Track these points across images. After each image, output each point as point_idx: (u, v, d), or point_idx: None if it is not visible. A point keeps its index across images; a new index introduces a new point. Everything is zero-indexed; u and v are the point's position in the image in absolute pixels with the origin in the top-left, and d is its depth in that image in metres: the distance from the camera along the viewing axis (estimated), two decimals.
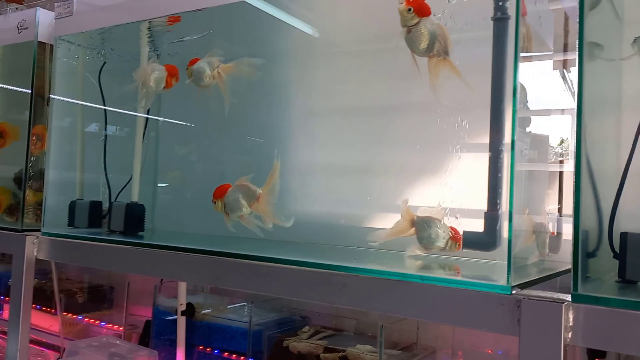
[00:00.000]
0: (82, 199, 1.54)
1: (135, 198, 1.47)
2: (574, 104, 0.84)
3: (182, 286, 1.62)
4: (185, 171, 1.64)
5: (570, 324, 0.73)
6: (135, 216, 1.44)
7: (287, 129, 1.48)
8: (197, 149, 1.61)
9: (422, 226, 0.97)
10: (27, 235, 1.43)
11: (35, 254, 1.43)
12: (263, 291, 1.05)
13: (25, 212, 1.64)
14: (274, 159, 1.18)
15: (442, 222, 0.97)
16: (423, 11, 0.90)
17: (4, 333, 1.90)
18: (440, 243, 0.97)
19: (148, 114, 1.52)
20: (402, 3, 0.90)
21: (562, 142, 1.37)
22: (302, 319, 1.65)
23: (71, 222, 1.52)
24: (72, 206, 1.52)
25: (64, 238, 1.40)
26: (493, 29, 1.04)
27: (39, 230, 1.48)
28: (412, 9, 0.89)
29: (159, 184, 1.66)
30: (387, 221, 1.34)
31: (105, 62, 1.58)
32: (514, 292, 0.80)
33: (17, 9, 2.33)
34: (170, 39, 1.48)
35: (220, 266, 1.09)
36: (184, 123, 1.64)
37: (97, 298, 2.14)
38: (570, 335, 0.73)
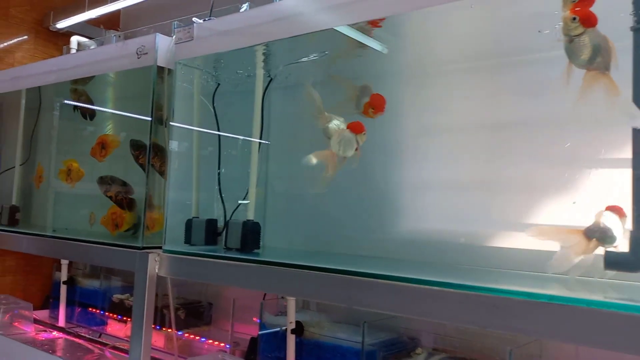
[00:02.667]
0: (197, 217, 1.58)
1: (251, 216, 1.49)
2: None
3: (292, 304, 1.63)
4: (295, 190, 1.66)
5: None
6: (251, 234, 1.47)
7: (403, 146, 1.47)
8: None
9: (605, 228, 0.93)
10: (149, 252, 1.48)
11: (156, 271, 1.48)
12: (401, 312, 1.03)
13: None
14: None
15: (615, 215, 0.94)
16: (589, 21, 0.88)
17: (114, 348, 1.97)
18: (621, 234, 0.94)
19: (261, 136, 1.54)
20: (566, 11, 0.88)
21: None
22: (411, 340, 1.62)
23: (188, 240, 1.56)
24: (189, 224, 1.56)
25: (186, 255, 1.44)
26: (633, 39, 1.01)
27: (154, 247, 1.54)
28: (578, 18, 0.87)
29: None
30: (509, 239, 1.30)
31: (219, 85, 1.63)
32: None
33: (119, 36, 2.45)
34: (285, 61, 1.51)
35: (354, 285, 1.09)
36: (262, 142, 1.67)
37: (195, 314, 2.18)
38: None
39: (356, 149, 1.33)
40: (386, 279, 1.04)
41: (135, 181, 1.80)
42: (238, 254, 1.43)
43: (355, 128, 1.34)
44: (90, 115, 2.14)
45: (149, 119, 1.58)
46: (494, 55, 1.39)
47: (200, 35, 1.49)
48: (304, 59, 1.47)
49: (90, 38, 2.55)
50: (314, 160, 1.38)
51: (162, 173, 1.64)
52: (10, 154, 2.33)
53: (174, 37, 1.55)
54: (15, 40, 2.54)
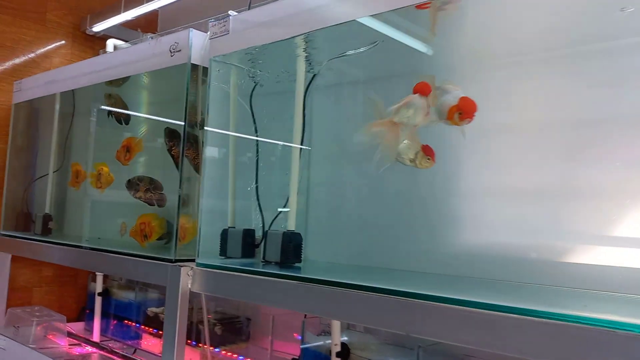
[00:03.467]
0: (234, 227, 1.45)
1: (291, 226, 1.35)
2: None
3: (336, 324, 1.48)
4: (340, 198, 1.51)
5: None
6: (292, 246, 1.32)
7: (462, 148, 1.30)
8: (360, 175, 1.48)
9: None
10: (182, 266, 1.35)
11: (189, 286, 1.36)
12: (475, 345, 0.86)
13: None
14: None
15: None
16: None
17: None
18: None
19: (302, 139, 1.40)
20: None
21: None
22: None
23: (223, 252, 1.43)
24: (225, 235, 1.43)
25: (220, 270, 1.31)
26: None
27: (187, 260, 1.41)
28: None
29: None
30: (591, 255, 1.12)
31: (256, 84, 1.50)
32: None
33: (152, 38, 2.36)
34: (330, 55, 1.36)
35: (414, 310, 0.93)
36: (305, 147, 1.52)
37: (233, 330, 2.05)
38: None
39: (427, 114, 1.09)
40: (453, 303, 0.88)
41: (168, 187, 1.69)
42: (277, 268, 1.29)
43: (423, 89, 1.10)
44: (125, 120, 2.05)
45: (182, 123, 1.46)
46: (566, 43, 1.21)
47: (237, 28, 1.36)
48: (350, 52, 1.32)
49: (126, 41, 2.48)
50: (368, 134, 1.16)
51: (197, 168, 1.52)
52: (45, 161, 2.27)
53: (209, 32, 1.43)
54: (53, 45, 2.49)
